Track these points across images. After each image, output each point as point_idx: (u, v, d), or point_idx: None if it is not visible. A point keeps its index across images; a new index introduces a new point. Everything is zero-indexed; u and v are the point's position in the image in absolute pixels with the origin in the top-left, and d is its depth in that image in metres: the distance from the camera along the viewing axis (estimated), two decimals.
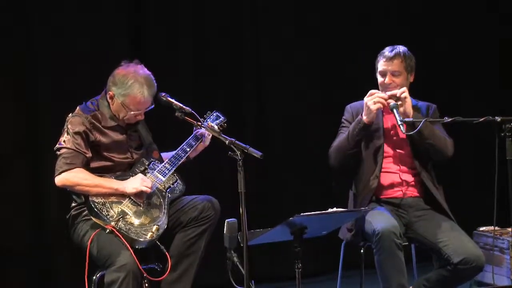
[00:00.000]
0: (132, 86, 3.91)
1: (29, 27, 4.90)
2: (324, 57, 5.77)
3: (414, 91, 4.22)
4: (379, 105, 4.09)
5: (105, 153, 3.95)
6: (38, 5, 4.92)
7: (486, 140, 4.30)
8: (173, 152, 4.10)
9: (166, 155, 4.14)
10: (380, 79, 4.20)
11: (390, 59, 4.14)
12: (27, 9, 4.89)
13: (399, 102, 4.07)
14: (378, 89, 4.19)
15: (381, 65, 4.18)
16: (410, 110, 4.08)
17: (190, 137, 4.14)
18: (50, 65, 4.94)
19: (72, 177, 3.83)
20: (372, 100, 4.08)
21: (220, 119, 4.23)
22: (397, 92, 4.09)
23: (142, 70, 3.97)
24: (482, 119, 3.90)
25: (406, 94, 4.09)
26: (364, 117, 4.08)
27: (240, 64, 5.57)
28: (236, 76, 5.56)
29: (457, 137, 4.36)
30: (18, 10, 4.87)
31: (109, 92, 3.98)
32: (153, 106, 4.00)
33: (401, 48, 4.19)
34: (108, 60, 4.15)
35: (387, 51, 4.18)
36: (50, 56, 4.94)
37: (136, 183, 3.88)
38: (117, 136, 4.00)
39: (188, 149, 4.09)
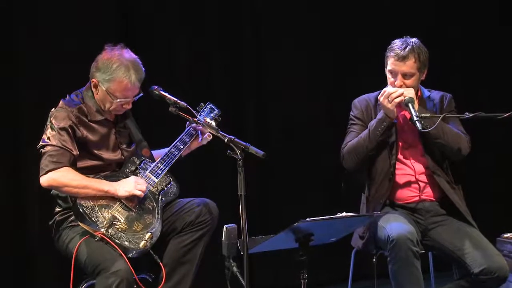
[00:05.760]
0: (117, 70, 3.76)
1: (11, 26, 4.84)
2: (325, 56, 5.71)
3: (428, 81, 4.14)
4: (401, 98, 3.93)
5: (94, 151, 3.82)
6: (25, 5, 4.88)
7: (510, 138, 4.11)
8: (165, 150, 3.98)
9: (157, 153, 4.03)
10: (390, 78, 4.05)
11: (402, 58, 3.97)
12: (15, 10, 4.83)
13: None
14: (386, 84, 4.09)
15: (391, 63, 4.01)
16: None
17: (183, 133, 4.01)
18: (41, 64, 4.87)
19: (59, 177, 3.67)
20: (391, 96, 3.95)
21: (215, 112, 4.12)
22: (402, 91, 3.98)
23: (128, 54, 3.84)
24: (506, 114, 3.79)
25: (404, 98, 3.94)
26: (385, 116, 3.98)
27: (240, 63, 5.52)
28: (236, 75, 5.51)
29: (478, 134, 4.27)
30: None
31: (93, 79, 3.84)
32: (141, 94, 3.88)
33: (414, 44, 4.00)
34: None
35: (398, 48, 3.98)
36: (41, 55, 4.86)
37: (129, 186, 3.74)
38: (105, 132, 3.87)
39: (182, 147, 3.96)
